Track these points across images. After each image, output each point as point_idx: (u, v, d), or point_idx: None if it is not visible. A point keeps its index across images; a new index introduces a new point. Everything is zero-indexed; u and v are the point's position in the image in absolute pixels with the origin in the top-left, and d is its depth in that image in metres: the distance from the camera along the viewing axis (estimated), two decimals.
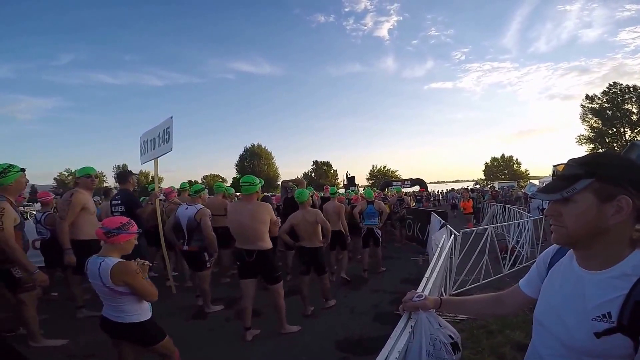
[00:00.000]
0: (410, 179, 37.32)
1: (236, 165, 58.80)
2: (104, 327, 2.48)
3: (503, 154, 60.70)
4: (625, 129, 43.07)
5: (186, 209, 4.83)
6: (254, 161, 57.35)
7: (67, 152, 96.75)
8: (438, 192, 38.92)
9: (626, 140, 40.52)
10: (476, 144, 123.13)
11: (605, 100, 44.16)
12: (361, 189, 15.71)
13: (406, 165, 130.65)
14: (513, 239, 7.94)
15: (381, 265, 7.05)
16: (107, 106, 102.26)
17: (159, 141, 5.28)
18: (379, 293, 5.65)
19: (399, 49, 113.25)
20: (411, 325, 1.35)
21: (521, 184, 46.24)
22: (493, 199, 18.31)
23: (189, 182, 4.63)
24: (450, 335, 1.38)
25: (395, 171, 66.20)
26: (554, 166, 1.05)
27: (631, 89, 42.74)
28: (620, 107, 43.00)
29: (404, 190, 33.01)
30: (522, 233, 8.22)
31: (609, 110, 43.59)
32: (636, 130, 42.17)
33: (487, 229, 6.42)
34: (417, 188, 34.35)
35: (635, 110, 42.42)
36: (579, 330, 0.94)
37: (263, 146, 59.41)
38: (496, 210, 13.74)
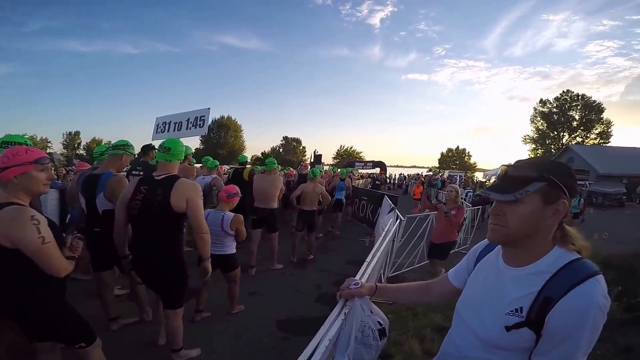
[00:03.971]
0: (372, 161, 38.31)
1: (201, 136, 57.57)
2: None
3: (458, 146, 63.49)
4: (564, 133, 47.03)
5: (203, 178, 6.17)
6: (221, 133, 56.22)
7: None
8: (396, 175, 40.16)
9: (562, 144, 44.10)
10: (437, 134, 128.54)
11: (555, 105, 47.68)
12: (326, 167, 16.94)
13: (371, 147, 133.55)
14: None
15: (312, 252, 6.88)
16: (73, 74, 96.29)
17: (188, 124, 6.16)
18: (323, 273, 5.81)
19: (387, 38, 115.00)
20: (345, 312, 1.36)
21: (468, 174, 49.91)
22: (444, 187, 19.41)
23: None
24: (379, 322, 1.41)
25: (361, 152, 67.03)
26: (503, 166, 1.09)
27: (579, 97, 46.54)
28: (565, 113, 46.68)
29: (365, 171, 35.21)
30: None
31: (556, 114, 47.25)
32: (573, 135, 46.23)
33: (429, 215, 6.62)
34: (377, 170, 36.17)
35: (577, 117, 46.21)
36: (493, 324, 1.00)
37: (233, 118, 58.27)
38: (442, 198, 14.36)
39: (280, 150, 63.53)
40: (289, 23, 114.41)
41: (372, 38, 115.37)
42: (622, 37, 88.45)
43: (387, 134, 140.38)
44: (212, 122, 56.06)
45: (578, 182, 14.52)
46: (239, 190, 4.02)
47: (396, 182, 34.94)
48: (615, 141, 44.01)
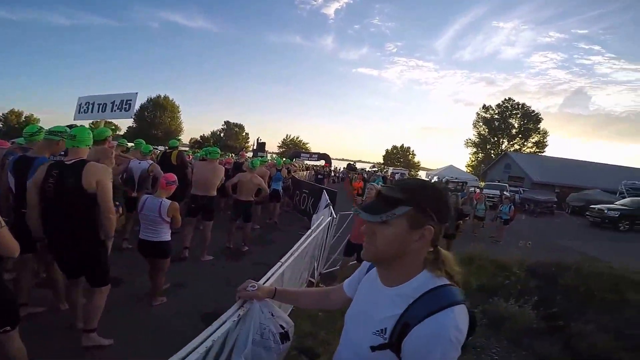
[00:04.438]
0: (318, 153, 39.04)
1: (134, 114, 53.74)
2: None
3: (402, 144, 65.22)
4: (504, 140, 50.35)
5: (139, 163, 5.77)
6: (156, 112, 53.31)
7: None
8: (341, 169, 41.08)
9: (501, 150, 46.99)
10: (384, 130, 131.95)
11: (497, 112, 50.93)
12: (270, 157, 16.79)
13: (318, 139, 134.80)
14: None
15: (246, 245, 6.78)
16: None
17: (113, 107, 6.28)
18: (258, 266, 5.58)
19: (341, 30, 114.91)
20: (239, 314, 1.37)
21: (412, 172, 51.68)
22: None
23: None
24: (281, 325, 1.42)
25: (307, 143, 67.45)
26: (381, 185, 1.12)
27: (520, 106, 50.04)
28: (506, 120, 50.03)
29: (311, 163, 35.23)
30: None
31: (497, 121, 50.48)
32: (512, 142, 49.67)
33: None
34: (322, 162, 36.32)
35: (516, 125, 49.77)
36: (364, 341, 0.99)
37: (170, 99, 55.32)
38: None
39: (222, 135, 62.00)
40: (240, 4, 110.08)
41: (326, 28, 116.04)
42: (566, 50, 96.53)
43: (335, 127, 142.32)
44: (147, 100, 53.85)
45: (513, 188, 15.10)
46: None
47: (340, 175, 35.02)
48: (549, 151, 48.05)
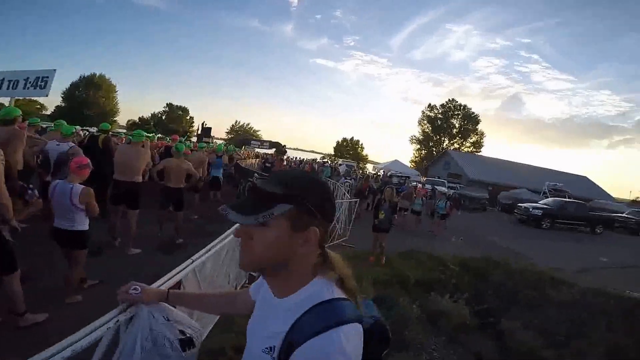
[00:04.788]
0: (270, 141, 38.68)
1: (63, 93, 49.59)
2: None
3: (352, 137, 65.84)
4: (445, 138, 53.08)
5: (58, 145, 5.20)
6: (89, 91, 48.99)
7: None
8: (295, 158, 40.91)
9: (442, 148, 49.53)
10: (337, 122, 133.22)
11: (440, 111, 53.44)
12: (218, 142, 16.18)
13: (271, 127, 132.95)
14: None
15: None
16: None
17: (26, 84, 5.87)
18: None
19: (302, 18, 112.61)
20: (117, 320, 1.27)
21: (360, 165, 52.94)
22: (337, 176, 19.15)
23: None
24: (182, 331, 1.31)
25: (258, 131, 66.55)
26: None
27: (462, 107, 52.93)
28: (448, 120, 52.74)
29: (263, 151, 34.67)
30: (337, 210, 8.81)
31: (440, 120, 53.02)
32: (452, 141, 52.51)
33: None
34: (273, 151, 36.01)
35: (457, 125, 52.72)
36: (256, 358, 0.85)
37: (107, 77, 51.15)
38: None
39: (163, 117, 58.79)
40: None
41: (288, 15, 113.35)
42: (508, 57, 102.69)
43: (290, 116, 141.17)
44: (79, 79, 49.32)
45: (452, 185, 15.75)
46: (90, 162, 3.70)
47: (292, 165, 34.84)
48: (485, 151, 51.29)
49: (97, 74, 50.79)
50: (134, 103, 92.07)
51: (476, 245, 10.11)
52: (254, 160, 20.60)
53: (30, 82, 5.85)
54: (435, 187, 19.45)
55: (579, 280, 7.14)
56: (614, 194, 36.75)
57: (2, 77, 6.07)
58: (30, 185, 3.25)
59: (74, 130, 6.20)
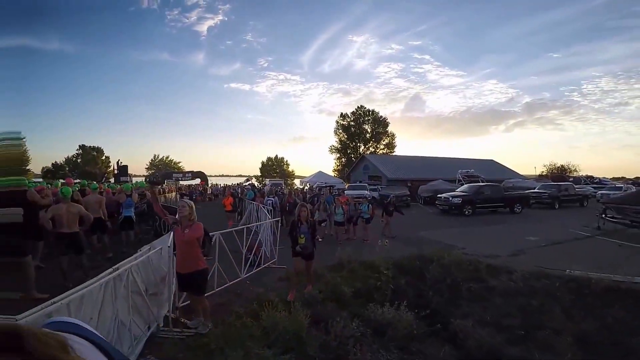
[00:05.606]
0: (192, 172, 37.30)
1: None
2: None
3: (277, 155, 66.36)
4: (360, 144, 55.02)
5: None
6: None
7: None
8: (220, 185, 39.59)
9: (359, 153, 50.98)
10: (259, 143, 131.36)
11: (352, 119, 55.25)
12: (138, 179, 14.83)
13: (193, 157, 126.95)
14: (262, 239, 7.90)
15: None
16: None
17: None
18: None
19: (213, 46, 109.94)
20: None
21: (288, 181, 52.64)
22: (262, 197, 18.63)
23: None
24: None
25: (179, 162, 65.08)
26: None
27: (370, 112, 55.35)
28: (360, 126, 54.81)
29: (186, 182, 33.05)
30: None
31: (353, 127, 54.84)
32: (367, 146, 54.46)
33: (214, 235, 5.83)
34: (198, 181, 34.66)
35: (369, 130, 54.94)
36: None
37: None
38: (252, 208, 13.72)
39: (78, 160, 54.98)
40: (102, 25, 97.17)
41: (198, 45, 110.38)
42: (404, 61, 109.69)
43: (210, 144, 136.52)
44: None
45: (373, 187, 15.72)
46: None
47: (216, 193, 33.59)
48: (398, 151, 53.78)
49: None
50: (44, 149, 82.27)
51: (406, 243, 10.03)
52: (173, 194, 19.30)
53: None
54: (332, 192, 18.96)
55: (515, 264, 7.13)
56: (521, 172, 39.74)
57: None
58: None
59: None
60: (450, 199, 17.89)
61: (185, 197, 15.59)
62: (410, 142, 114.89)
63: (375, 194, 23.13)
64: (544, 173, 48.14)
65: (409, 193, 23.56)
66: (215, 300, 5.29)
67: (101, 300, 2.91)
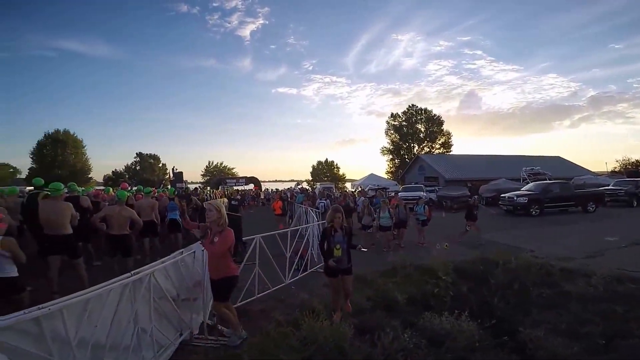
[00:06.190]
0: (245, 177, 38.33)
1: (32, 154, 47.41)
2: None
3: (327, 159, 66.24)
4: (414, 144, 53.42)
5: None
6: (57, 149, 47.07)
7: None
8: (272, 190, 40.41)
9: (414, 154, 49.28)
10: (308, 147, 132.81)
11: (404, 119, 53.83)
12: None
13: (245, 163, 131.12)
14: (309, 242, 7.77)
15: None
16: None
17: None
18: None
19: (257, 51, 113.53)
20: None
21: (339, 185, 52.35)
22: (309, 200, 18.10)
23: None
24: None
25: (233, 168, 66.71)
26: None
27: (423, 111, 53.56)
28: (413, 126, 53.17)
29: (240, 188, 34.07)
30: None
31: (405, 127, 53.41)
32: (422, 146, 52.77)
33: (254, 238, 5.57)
34: (252, 186, 35.59)
35: (422, 129, 53.16)
36: None
37: (71, 132, 49.39)
38: (302, 211, 13.50)
39: (137, 168, 58.30)
40: (146, 30, 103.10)
41: (242, 50, 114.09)
42: (455, 57, 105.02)
43: (262, 149, 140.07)
44: (44, 136, 47.30)
45: (430, 188, 14.73)
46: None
47: (268, 197, 34.12)
48: (455, 150, 51.52)
49: (62, 130, 49.32)
50: (105, 157, 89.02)
51: (468, 247, 9.34)
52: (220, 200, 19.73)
53: None
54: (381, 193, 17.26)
55: (593, 267, 6.36)
56: (591, 169, 36.56)
57: None
58: None
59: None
60: (515, 198, 16.65)
61: (234, 201, 15.63)
62: (468, 140, 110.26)
63: (433, 196, 22.11)
64: (617, 169, 43.87)
65: (469, 194, 22.14)
66: (257, 307, 5.08)
67: (115, 306, 2.73)
